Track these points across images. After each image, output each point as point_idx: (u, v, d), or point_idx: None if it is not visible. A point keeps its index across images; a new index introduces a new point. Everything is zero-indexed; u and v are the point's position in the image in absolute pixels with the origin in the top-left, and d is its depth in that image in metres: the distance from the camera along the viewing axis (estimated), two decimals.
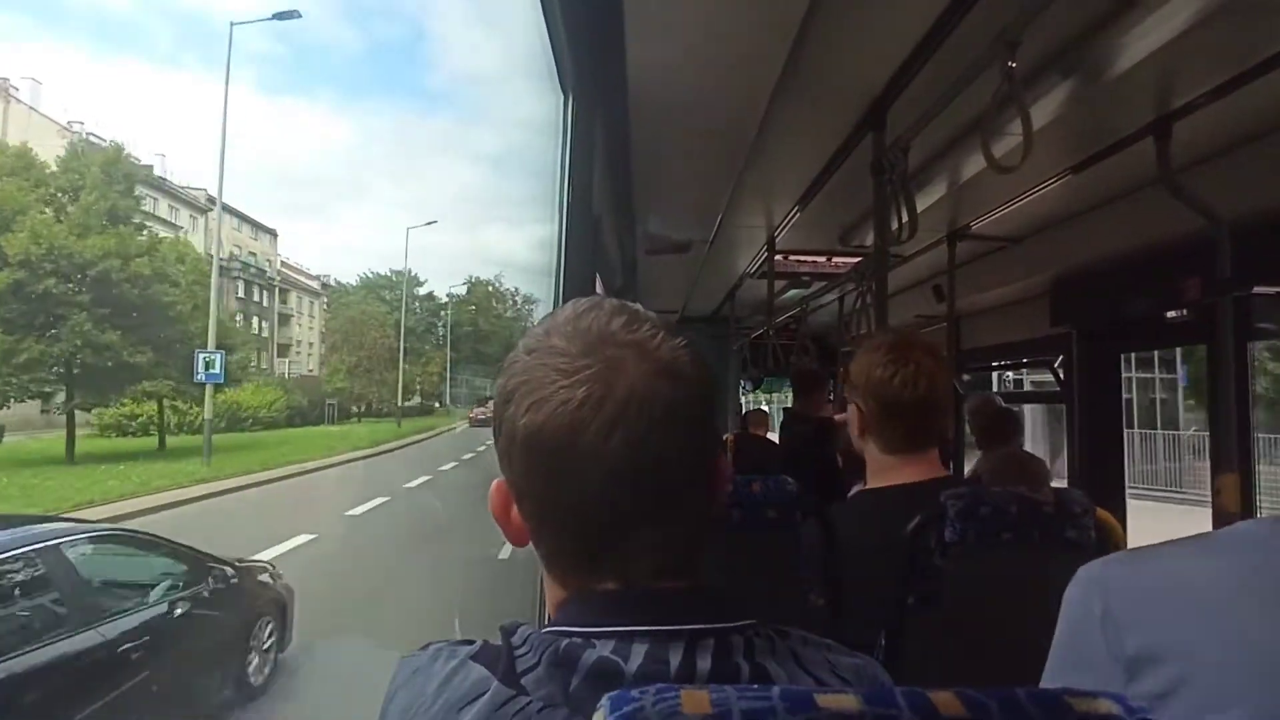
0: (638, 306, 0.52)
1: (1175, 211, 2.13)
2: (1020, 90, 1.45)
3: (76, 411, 14.61)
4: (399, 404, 33.90)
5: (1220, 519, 2.17)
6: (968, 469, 3.08)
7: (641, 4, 1.57)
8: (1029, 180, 2.51)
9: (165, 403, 16.50)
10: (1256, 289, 2.23)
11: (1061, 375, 3.46)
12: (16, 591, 3.55)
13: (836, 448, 3.26)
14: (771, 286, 4.07)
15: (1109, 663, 0.57)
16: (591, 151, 1.65)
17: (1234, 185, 2.13)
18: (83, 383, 14.27)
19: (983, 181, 2.38)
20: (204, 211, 31.91)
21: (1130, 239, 2.65)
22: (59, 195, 14.85)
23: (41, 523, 4.35)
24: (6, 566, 3.54)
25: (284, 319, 38.47)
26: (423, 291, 46.17)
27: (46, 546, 3.70)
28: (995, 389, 5.35)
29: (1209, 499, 2.30)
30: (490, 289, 47.16)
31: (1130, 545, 1.31)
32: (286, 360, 36.69)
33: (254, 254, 36.47)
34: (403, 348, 36.39)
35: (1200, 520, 2.72)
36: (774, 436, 4.93)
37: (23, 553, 3.63)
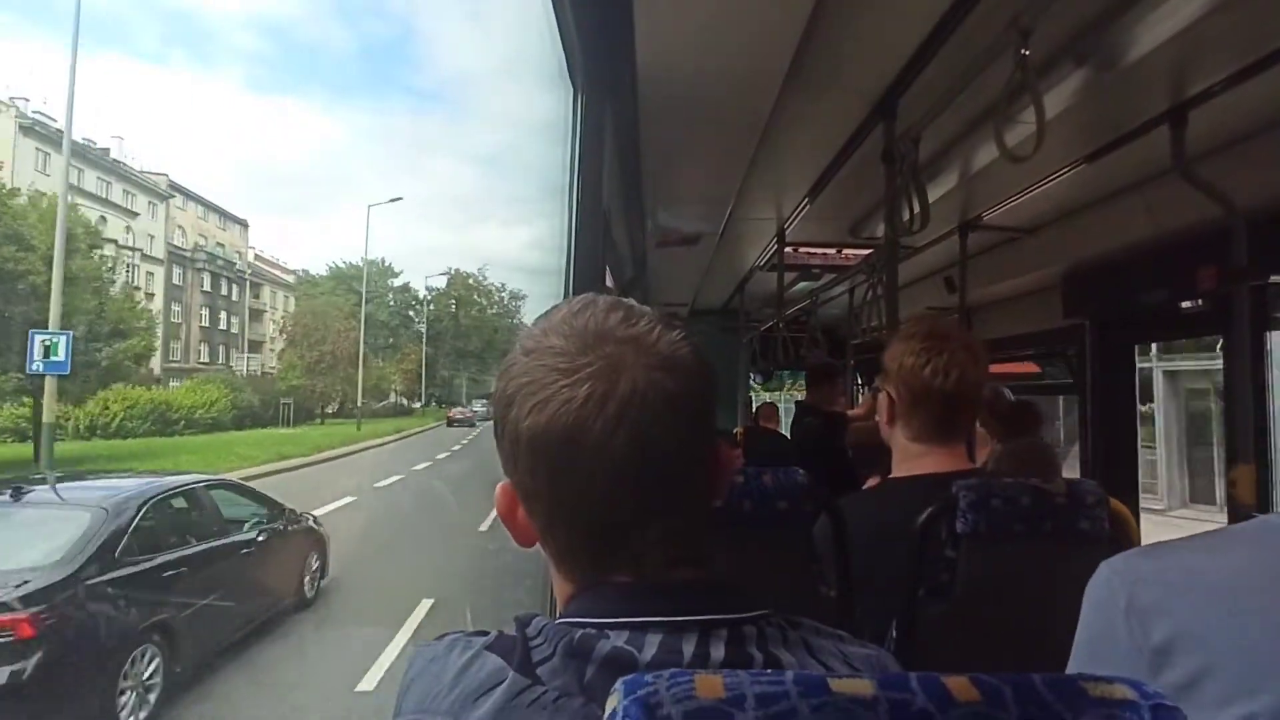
0: (632, 301, 0.52)
1: (1189, 200, 2.11)
2: (1033, 78, 1.43)
3: None
4: (358, 403, 32.08)
5: (1235, 511, 2.15)
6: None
7: None
8: (1041, 170, 2.48)
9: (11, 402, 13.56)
10: (1273, 278, 2.21)
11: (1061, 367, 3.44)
12: (182, 511, 5.79)
13: (846, 440, 3.25)
14: (781, 279, 4.06)
15: (1134, 655, 0.57)
16: (601, 145, 1.65)
17: (1250, 173, 2.10)
18: None
19: (994, 171, 2.36)
20: (164, 199, 30.59)
21: (1144, 229, 2.61)
22: None
23: (182, 474, 7.01)
24: (176, 497, 5.80)
25: (256, 314, 36.76)
26: (397, 283, 43.42)
27: (196, 485, 6.10)
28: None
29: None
30: (472, 282, 44.45)
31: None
32: (260, 357, 35.31)
33: (221, 244, 34.93)
34: (363, 340, 34.18)
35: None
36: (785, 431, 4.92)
37: (182, 489, 5.94)
